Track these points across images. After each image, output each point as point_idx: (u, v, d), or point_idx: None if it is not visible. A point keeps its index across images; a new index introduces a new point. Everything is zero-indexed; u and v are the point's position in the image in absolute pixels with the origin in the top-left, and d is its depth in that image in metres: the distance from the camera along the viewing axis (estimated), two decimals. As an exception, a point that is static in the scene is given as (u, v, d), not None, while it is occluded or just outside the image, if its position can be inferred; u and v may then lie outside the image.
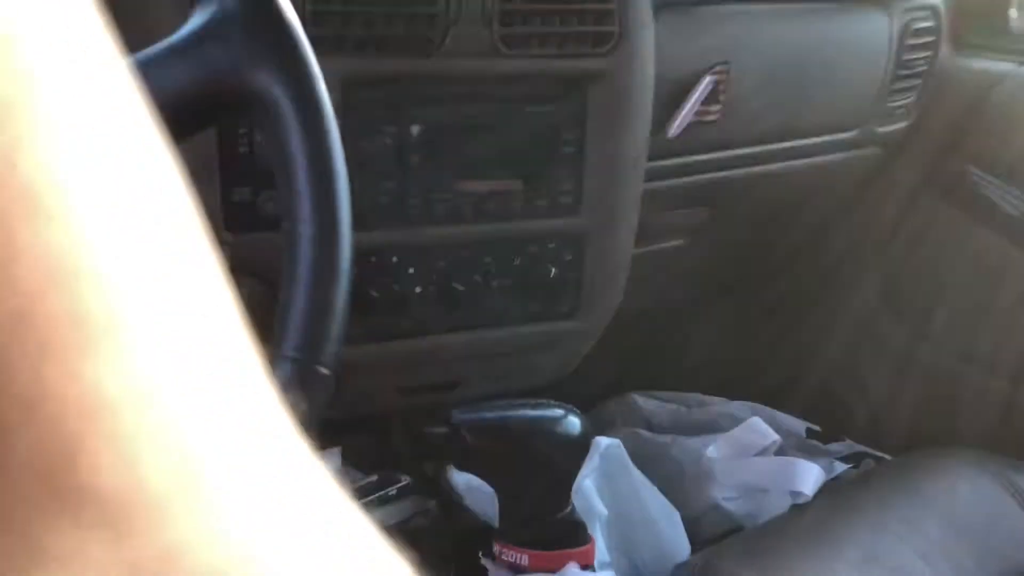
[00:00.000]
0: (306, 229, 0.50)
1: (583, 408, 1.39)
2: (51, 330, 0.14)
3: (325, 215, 0.51)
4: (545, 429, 0.71)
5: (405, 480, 1.02)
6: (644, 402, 1.37)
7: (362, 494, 0.97)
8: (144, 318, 0.15)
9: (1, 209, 0.13)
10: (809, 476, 1.10)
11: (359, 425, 1.06)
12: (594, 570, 0.75)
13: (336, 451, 1.09)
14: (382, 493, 0.97)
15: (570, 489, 0.74)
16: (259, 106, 0.51)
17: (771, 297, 1.46)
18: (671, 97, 0.99)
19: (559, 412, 0.73)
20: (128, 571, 0.14)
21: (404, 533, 0.93)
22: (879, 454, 1.26)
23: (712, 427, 1.28)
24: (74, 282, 0.14)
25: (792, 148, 1.15)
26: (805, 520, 1.03)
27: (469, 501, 0.97)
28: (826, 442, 1.30)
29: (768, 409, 1.31)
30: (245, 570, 0.15)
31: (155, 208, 0.15)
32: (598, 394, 1.42)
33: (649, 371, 1.51)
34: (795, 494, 1.10)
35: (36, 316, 0.14)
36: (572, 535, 0.73)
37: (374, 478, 1.01)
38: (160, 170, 0.16)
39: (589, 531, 0.76)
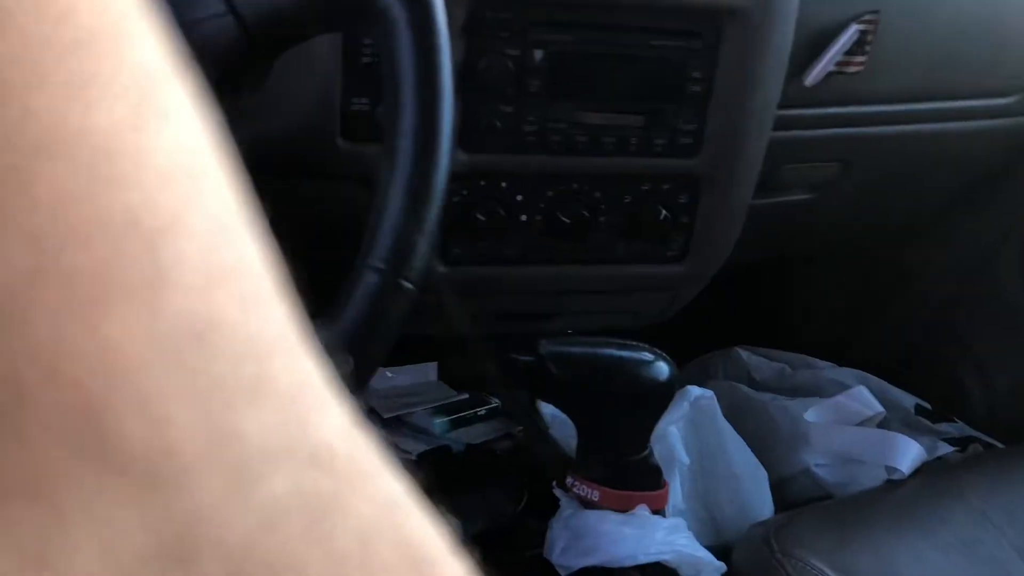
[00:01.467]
0: (406, 144, 0.51)
1: (689, 358, 1.38)
2: (72, 287, 0.13)
3: (426, 132, 0.51)
4: (631, 370, 0.71)
5: (494, 403, 1.03)
6: (749, 357, 1.34)
7: (451, 410, 0.99)
8: (171, 274, 0.14)
9: (17, 155, 0.12)
10: (908, 452, 1.06)
11: (456, 344, 1.08)
12: (664, 516, 0.74)
13: (433, 366, 1.11)
14: (470, 412, 0.99)
15: (650, 433, 0.73)
16: (376, 18, 0.52)
17: (898, 264, 1.40)
18: (813, 43, 0.94)
19: (648, 355, 0.72)
20: (154, 537, 0.14)
21: (486, 454, 0.95)
22: (990, 440, 1.20)
23: (816, 391, 1.24)
24: (96, 236, 0.13)
25: (940, 110, 1.08)
26: (896, 496, 0.99)
27: (554, 431, 0.98)
28: (936, 421, 1.24)
29: (877, 379, 1.26)
30: (273, 540, 0.14)
31: (183, 157, 0.14)
32: (706, 345, 1.39)
33: (761, 327, 1.47)
34: (891, 469, 1.06)
35: (56, 272, 0.13)
36: (646, 478, 0.73)
37: (465, 396, 1.03)
38: (191, 119, 0.15)
39: (664, 477, 0.76)
